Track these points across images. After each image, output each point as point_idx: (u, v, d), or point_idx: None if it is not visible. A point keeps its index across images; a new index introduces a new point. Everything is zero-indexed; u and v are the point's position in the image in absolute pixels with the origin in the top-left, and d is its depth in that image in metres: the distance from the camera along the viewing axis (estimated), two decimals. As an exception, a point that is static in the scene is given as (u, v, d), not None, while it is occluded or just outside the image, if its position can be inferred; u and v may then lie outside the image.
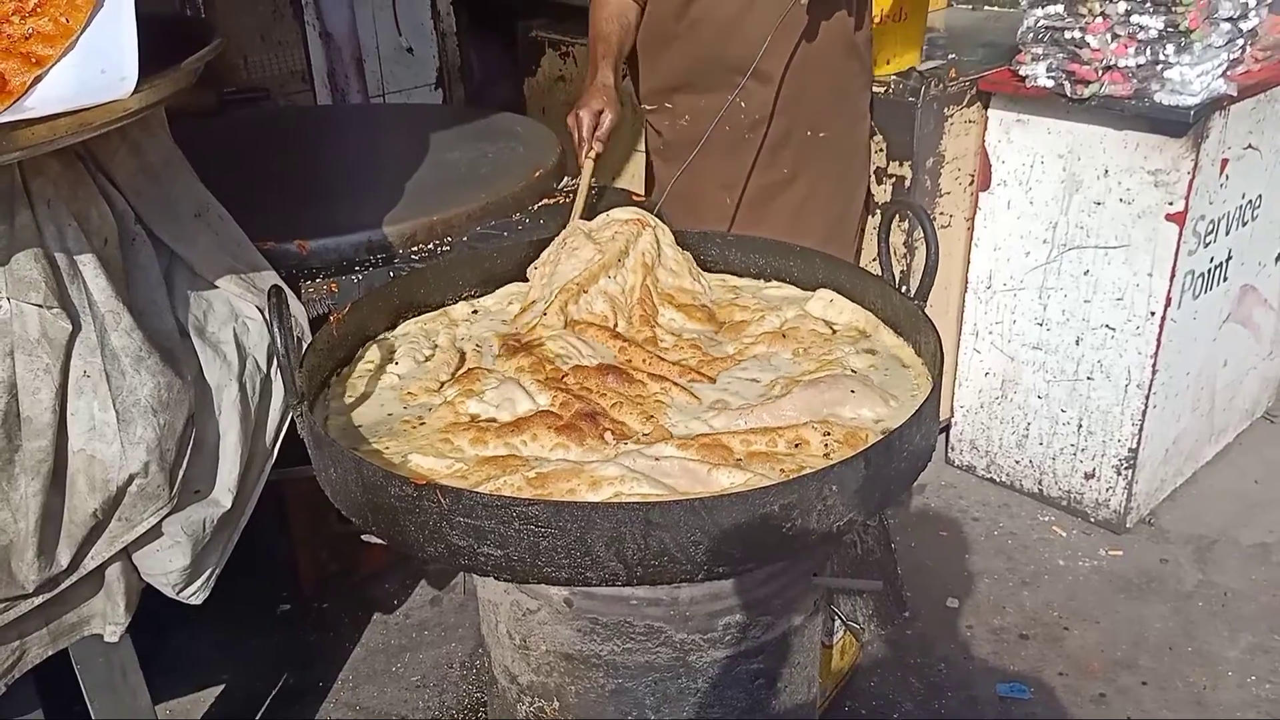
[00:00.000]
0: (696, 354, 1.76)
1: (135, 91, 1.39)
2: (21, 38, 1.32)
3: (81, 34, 1.34)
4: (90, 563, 1.80)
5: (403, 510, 1.34)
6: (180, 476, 1.80)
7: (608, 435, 1.51)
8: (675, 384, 1.65)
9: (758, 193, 2.69)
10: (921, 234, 1.72)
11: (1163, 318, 2.89)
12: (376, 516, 1.40)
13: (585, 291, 1.85)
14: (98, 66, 1.33)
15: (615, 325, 1.83)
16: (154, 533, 1.83)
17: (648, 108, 2.76)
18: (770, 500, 1.27)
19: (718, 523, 1.25)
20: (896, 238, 3.09)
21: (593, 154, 2.25)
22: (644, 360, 1.73)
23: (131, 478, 1.73)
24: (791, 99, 2.59)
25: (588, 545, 1.26)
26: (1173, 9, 2.60)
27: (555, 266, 1.92)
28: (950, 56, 3.11)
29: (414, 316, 1.91)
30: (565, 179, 2.54)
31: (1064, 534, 3.20)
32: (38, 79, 1.31)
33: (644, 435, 1.53)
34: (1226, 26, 2.69)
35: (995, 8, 3.94)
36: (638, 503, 1.28)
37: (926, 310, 1.67)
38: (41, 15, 1.33)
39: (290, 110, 3.78)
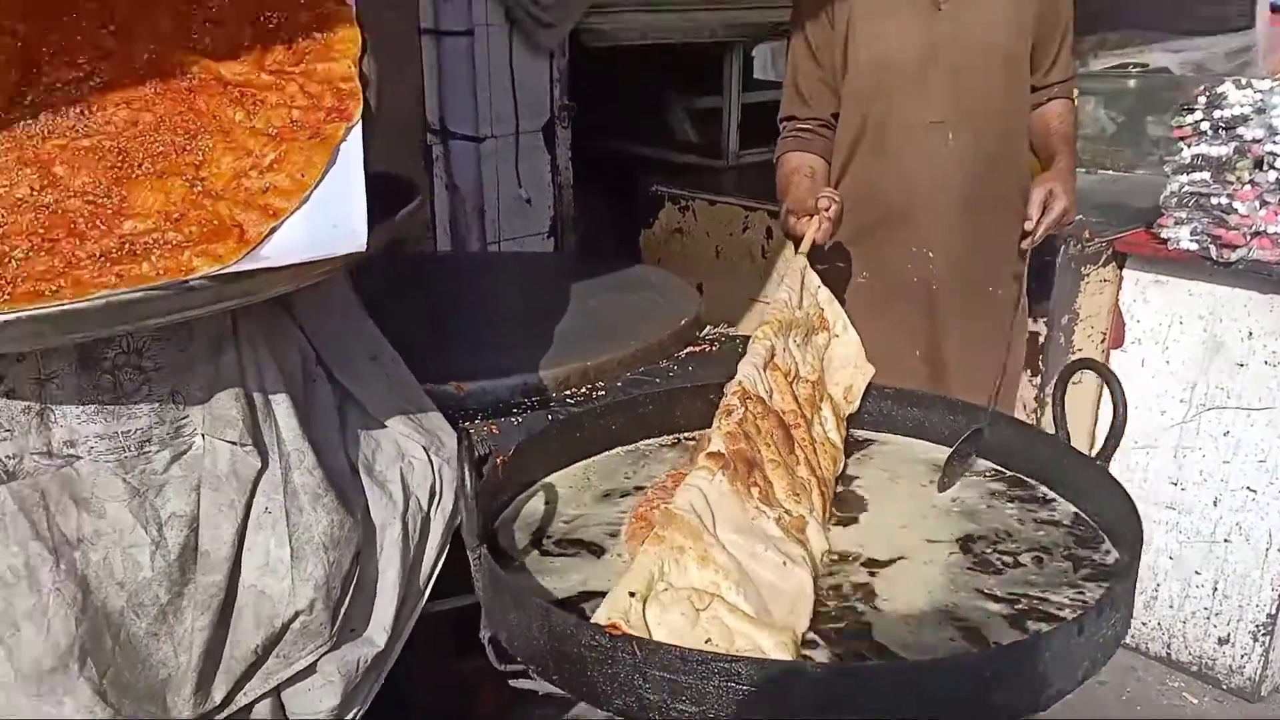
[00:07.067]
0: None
1: (360, 243, 1.45)
2: (259, 191, 1.39)
3: (314, 189, 1.41)
4: (242, 699, 1.79)
5: (592, 661, 1.32)
6: (341, 615, 1.81)
7: (754, 489, 1.46)
8: (822, 492, 1.60)
9: (939, 345, 2.59)
10: (1109, 392, 1.70)
11: (1311, 482, 2.80)
12: (560, 665, 1.37)
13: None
14: (329, 221, 1.39)
15: (793, 384, 1.76)
16: (308, 671, 1.82)
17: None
18: (983, 667, 1.23)
19: (930, 690, 1.21)
20: (1028, 391, 3.06)
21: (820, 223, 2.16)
22: (805, 441, 1.66)
23: (297, 614, 1.73)
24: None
25: (792, 706, 1.22)
26: (1321, 176, 2.60)
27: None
28: (1078, 217, 3.13)
29: (568, 461, 1.93)
30: (708, 328, 2.57)
31: (1195, 701, 3.06)
32: (273, 230, 1.37)
33: (787, 516, 1.48)
34: (1375, 192, 2.68)
35: (1111, 171, 3.97)
36: (852, 665, 1.24)
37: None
38: (279, 171, 1.40)
39: (434, 257, 3.92)
